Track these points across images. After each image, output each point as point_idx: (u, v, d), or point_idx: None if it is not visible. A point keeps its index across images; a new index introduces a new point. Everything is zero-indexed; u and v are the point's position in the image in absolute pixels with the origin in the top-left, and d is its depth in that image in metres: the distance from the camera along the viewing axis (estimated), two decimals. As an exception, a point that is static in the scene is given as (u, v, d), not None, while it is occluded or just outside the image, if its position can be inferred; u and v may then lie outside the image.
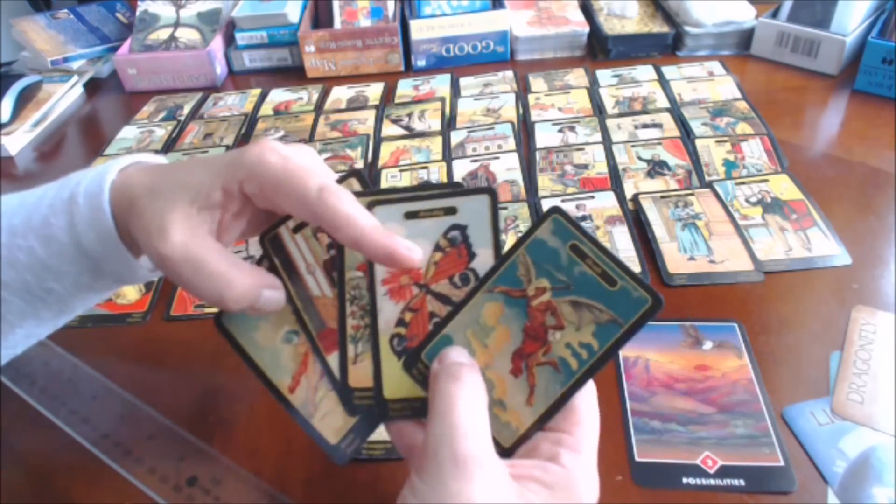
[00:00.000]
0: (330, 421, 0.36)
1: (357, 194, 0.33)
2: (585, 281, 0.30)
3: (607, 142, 0.72)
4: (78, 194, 0.37)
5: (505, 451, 0.32)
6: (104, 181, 0.37)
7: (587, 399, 0.32)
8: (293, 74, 0.96)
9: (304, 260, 0.37)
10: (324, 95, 0.89)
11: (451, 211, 0.34)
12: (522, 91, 0.85)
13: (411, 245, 0.32)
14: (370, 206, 0.34)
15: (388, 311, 0.34)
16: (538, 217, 0.31)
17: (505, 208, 0.64)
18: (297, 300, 0.37)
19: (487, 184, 0.34)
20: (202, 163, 0.36)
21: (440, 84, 0.88)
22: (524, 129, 0.76)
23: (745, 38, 0.88)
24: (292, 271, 0.37)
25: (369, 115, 0.82)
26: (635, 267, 0.56)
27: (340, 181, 0.35)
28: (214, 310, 0.56)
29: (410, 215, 0.34)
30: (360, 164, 0.73)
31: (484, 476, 0.28)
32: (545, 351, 0.31)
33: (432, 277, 0.34)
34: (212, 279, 0.34)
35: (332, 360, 0.36)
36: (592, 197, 0.64)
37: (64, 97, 0.94)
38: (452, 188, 0.34)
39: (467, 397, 0.30)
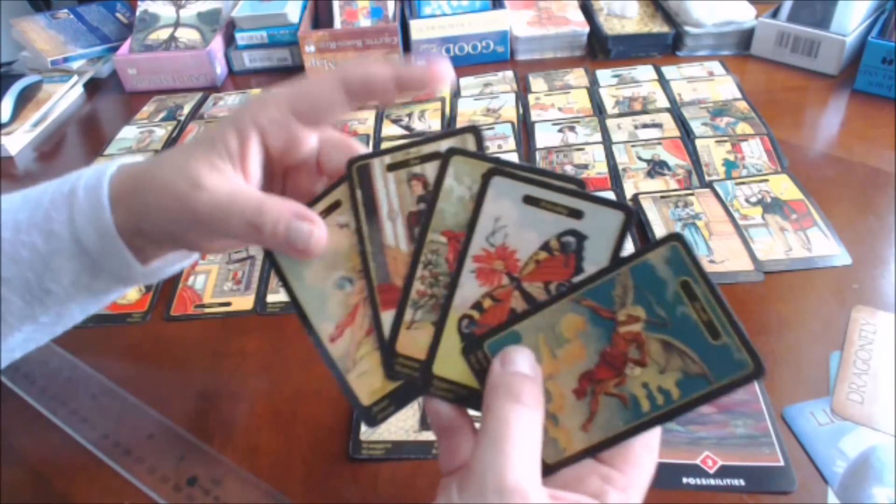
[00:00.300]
0: (367, 381, 0.34)
1: (475, 157, 0.31)
2: (686, 324, 0.28)
3: (607, 142, 0.72)
4: (78, 188, 0.37)
5: (547, 468, 0.30)
6: (103, 176, 0.37)
7: (649, 441, 0.30)
8: (293, 74, 0.95)
9: (388, 203, 0.33)
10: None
11: (576, 214, 0.30)
12: (522, 91, 0.85)
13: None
14: (489, 175, 0.31)
15: (469, 289, 0.31)
16: (656, 239, 0.28)
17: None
18: (368, 243, 0.33)
19: (627, 202, 0.32)
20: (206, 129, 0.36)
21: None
22: (524, 129, 0.76)
23: (745, 38, 0.88)
24: (372, 211, 0.33)
25: (369, 115, 0.82)
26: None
27: (452, 135, 0.33)
28: (214, 309, 0.56)
29: (530, 201, 0.30)
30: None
31: None
32: (618, 383, 0.29)
33: (528, 274, 0.31)
34: (244, 210, 0.33)
35: (386, 318, 0.33)
36: (592, 197, 0.64)
37: (64, 97, 0.94)
38: (589, 194, 0.30)
39: (524, 426, 0.28)
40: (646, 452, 0.30)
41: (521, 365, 0.29)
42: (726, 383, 0.27)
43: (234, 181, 0.34)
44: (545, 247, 0.31)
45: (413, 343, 0.32)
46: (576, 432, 0.29)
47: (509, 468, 0.26)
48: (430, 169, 0.32)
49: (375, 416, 0.33)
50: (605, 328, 0.29)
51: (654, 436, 0.30)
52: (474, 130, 0.33)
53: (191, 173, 0.34)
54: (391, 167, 0.33)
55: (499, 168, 0.31)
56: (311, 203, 0.35)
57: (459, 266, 0.32)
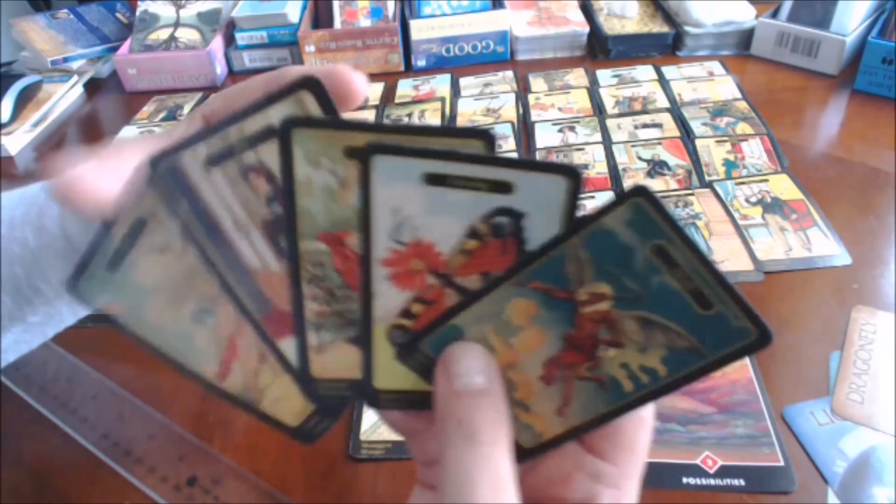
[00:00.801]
0: (285, 405, 0.29)
1: (324, 125, 0.24)
2: (666, 296, 0.22)
3: (607, 142, 0.72)
4: None
5: (524, 453, 0.26)
6: None
7: (640, 419, 0.26)
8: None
9: (229, 213, 0.25)
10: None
11: (503, 187, 0.23)
12: (522, 91, 0.85)
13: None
14: (367, 154, 0.23)
15: (389, 297, 0.26)
16: (613, 198, 0.22)
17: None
18: (224, 269, 0.26)
19: (570, 163, 0.26)
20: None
21: (440, 84, 0.88)
22: (524, 129, 0.76)
23: (745, 38, 0.88)
24: (212, 227, 0.26)
25: (369, 115, 0.82)
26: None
27: (283, 95, 0.25)
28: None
29: (434, 180, 0.23)
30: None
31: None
32: (591, 366, 0.25)
33: (460, 268, 0.25)
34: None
35: (286, 345, 0.28)
36: (592, 197, 0.64)
37: (64, 97, 0.94)
38: (513, 159, 0.23)
39: (489, 469, 0.23)
40: (639, 432, 0.26)
41: (469, 373, 0.24)
42: (725, 355, 0.23)
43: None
44: (473, 234, 0.24)
45: (332, 364, 0.27)
46: (552, 417, 0.26)
47: (482, 464, 0.23)
48: (268, 153, 0.24)
49: (311, 432, 0.29)
50: (563, 310, 0.24)
51: (646, 419, 0.26)
52: (312, 83, 0.24)
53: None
54: (212, 160, 0.25)
55: (377, 144, 0.23)
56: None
57: (367, 276, 0.25)
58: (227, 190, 0.25)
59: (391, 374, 0.27)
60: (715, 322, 0.22)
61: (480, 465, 0.23)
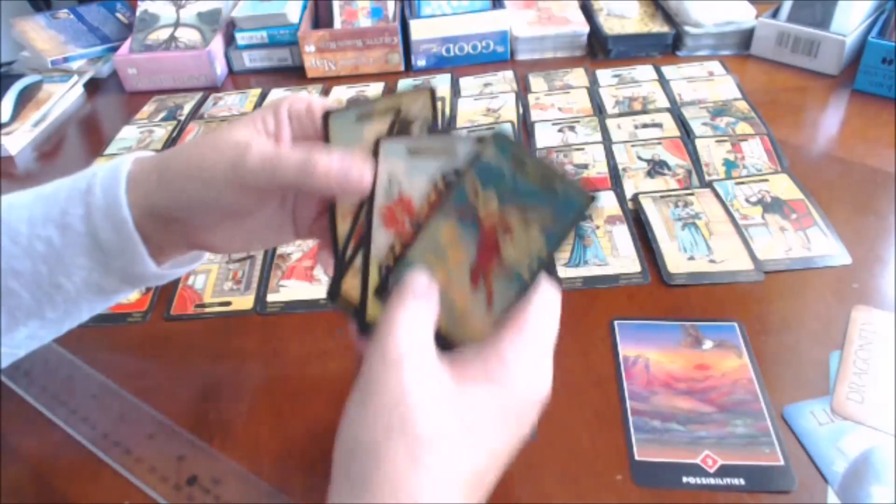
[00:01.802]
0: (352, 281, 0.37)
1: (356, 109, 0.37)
2: (528, 190, 0.33)
3: (607, 142, 0.72)
4: (94, 185, 0.38)
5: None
6: (119, 172, 0.38)
7: (539, 296, 0.32)
8: (293, 74, 0.96)
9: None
10: (324, 95, 0.89)
11: (448, 153, 0.35)
12: (522, 91, 0.85)
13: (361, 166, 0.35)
14: (377, 142, 0.36)
15: (382, 239, 0.36)
16: (486, 138, 0.34)
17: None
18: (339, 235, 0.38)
19: (496, 130, 0.35)
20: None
21: (440, 84, 0.88)
22: (524, 129, 0.76)
23: (745, 38, 0.88)
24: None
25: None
26: (635, 266, 0.56)
27: (411, 91, 0.37)
28: (214, 309, 0.57)
29: (414, 153, 0.36)
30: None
31: (413, 370, 0.29)
32: (498, 260, 0.33)
33: (425, 214, 0.35)
34: (296, 156, 0.35)
35: (380, 235, 0.37)
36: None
37: (64, 97, 0.94)
38: (459, 134, 0.35)
39: (406, 313, 0.31)
40: (537, 308, 0.32)
41: (409, 281, 0.33)
42: (573, 218, 0.32)
43: (277, 147, 0.36)
44: (433, 187, 0.35)
45: (354, 285, 0.37)
46: (483, 317, 0.33)
47: (390, 340, 0.30)
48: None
49: (334, 296, 0.37)
50: (472, 224, 0.34)
51: (546, 294, 0.33)
52: (432, 91, 0.37)
53: (238, 139, 0.36)
54: (360, 118, 0.38)
55: (383, 137, 0.36)
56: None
57: (369, 222, 0.36)
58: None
59: (377, 309, 0.35)
60: (562, 198, 0.32)
61: (402, 311, 0.31)
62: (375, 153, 0.36)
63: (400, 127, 0.37)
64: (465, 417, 0.29)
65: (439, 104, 0.38)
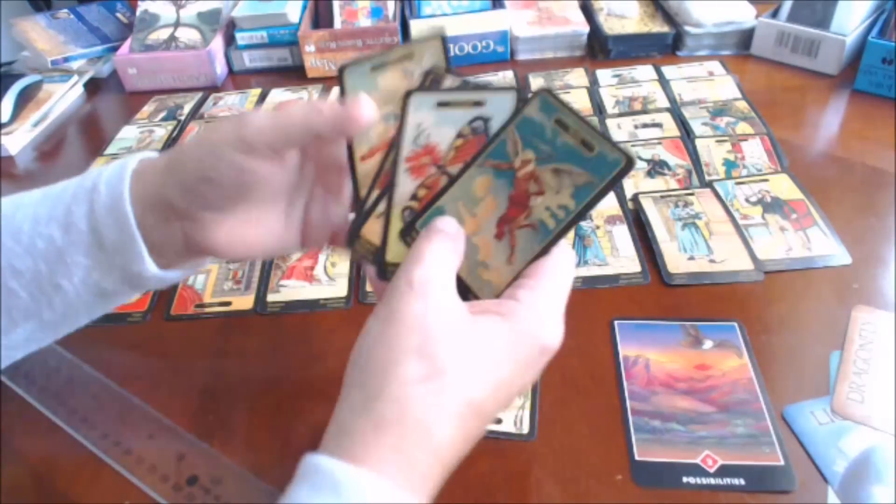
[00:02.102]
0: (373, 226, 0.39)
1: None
2: (566, 149, 0.33)
3: (607, 142, 0.72)
4: (100, 183, 0.38)
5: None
6: (125, 170, 0.38)
7: (557, 254, 0.34)
8: (293, 74, 0.96)
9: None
10: (324, 95, 0.89)
11: (479, 104, 0.37)
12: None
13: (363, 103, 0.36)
14: (408, 94, 0.37)
15: (406, 185, 0.37)
16: (530, 95, 0.35)
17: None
18: (357, 173, 0.40)
19: (517, 85, 0.37)
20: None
21: (440, 84, 0.88)
22: (524, 129, 0.76)
23: (745, 38, 0.88)
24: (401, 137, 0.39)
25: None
26: (635, 266, 0.56)
27: (422, 39, 0.39)
28: (214, 309, 0.56)
29: (443, 104, 0.37)
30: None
31: (435, 297, 0.31)
32: (526, 215, 0.34)
33: (450, 160, 0.37)
34: (299, 105, 0.36)
35: (404, 180, 0.38)
36: (592, 197, 0.64)
37: (64, 97, 0.94)
38: (486, 84, 0.37)
39: (434, 248, 0.33)
40: (554, 263, 0.34)
41: (440, 224, 0.35)
42: (610, 179, 0.32)
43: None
44: (459, 135, 0.37)
45: (375, 229, 0.38)
46: (504, 268, 0.35)
47: (416, 265, 0.32)
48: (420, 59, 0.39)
49: (353, 239, 0.39)
50: (507, 178, 0.35)
51: (563, 252, 0.34)
52: (444, 36, 0.39)
53: (238, 114, 0.37)
54: (376, 68, 0.39)
55: (414, 89, 0.37)
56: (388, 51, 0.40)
57: (394, 168, 0.37)
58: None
59: (400, 251, 0.37)
60: (598, 159, 0.32)
61: (430, 244, 0.33)
62: (405, 105, 0.37)
63: (431, 82, 0.38)
64: (476, 346, 0.31)
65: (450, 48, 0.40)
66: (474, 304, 0.33)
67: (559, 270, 0.34)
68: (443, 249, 0.33)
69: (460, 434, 0.30)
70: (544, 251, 0.34)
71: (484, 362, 0.31)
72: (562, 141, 0.33)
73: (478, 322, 0.32)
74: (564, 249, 0.35)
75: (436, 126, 0.37)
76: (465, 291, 0.35)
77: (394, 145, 0.38)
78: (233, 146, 0.36)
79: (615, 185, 0.32)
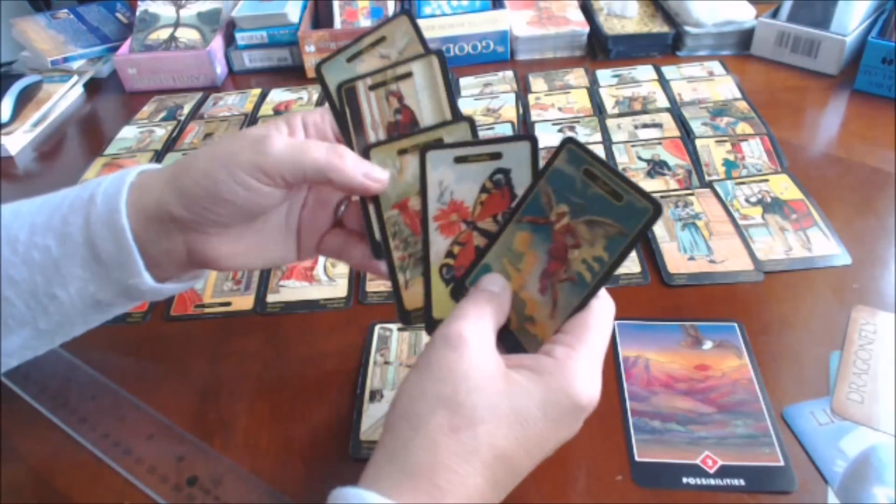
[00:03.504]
0: (412, 292, 0.41)
1: (402, 139, 0.39)
2: (597, 200, 0.33)
3: (607, 142, 0.72)
4: (97, 194, 0.38)
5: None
6: (123, 182, 0.38)
7: (596, 310, 0.34)
8: (293, 74, 0.96)
9: (371, 116, 0.40)
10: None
11: (496, 156, 0.37)
12: (522, 91, 0.85)
13: (378, 173, 0.38)
14: (424, 151, 0.38)
15: (439, 244, 0.39)
16: (555, 150, 0.35)
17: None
18: (355, 147, 0.40)
19: (530, 132, 0.38)
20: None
21: (440, 84, 0.88)
22: (524, 129, 0.76)
23: (745, 38, 0.88)
24: (358, 124, 0.40)
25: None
26: (635, 266, 0.56)
27: (418, 58, 0.40)
28: (214, 309, 0.57)
29: (460, 160, 0.38)
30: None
31: (469, 350, 0.32)
32: (566, 268, 0.35)
33: (479, 215, 0.38)
34: (321, 148, 0.37)
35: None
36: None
37: (64, 97, 0.94)
38: (499, 137, 0.39)
39: (476, 305, 0.34)
40: (592, 317, 0.34)
41: (487, 283, 0.36)
42: (639, 229, 0.32)
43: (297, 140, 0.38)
44: (483, 189, 0.38)
45: (415, 297, 0.40)
46: (547, 322, 0.35)
47: (456, 321, 0.33)
48: (403, 86, 0.40)
49: (411, 319, 0.41)
50: (545, 232, 0.35)
51: (601, 305, 0.35)
52: (439, 53, 0.40)
53: (257, 135, 0.37)
54: (372, 87, 0.40)
55: (430, 145, 0.38)
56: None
57: (425, 229, 0.39)
58: (374, 103, 0.40)
59: (445, 306, 0.38)
60: (627, 208, 0.32)
61: (472, 303, 0.35)
62: (422, 164, 0.38)
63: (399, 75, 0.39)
64: (506, 400, 0.31)
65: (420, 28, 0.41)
66: (510, 357, 0.34)
67: (597, 327, 0.34)
68: (483, 307, 0.34)
69: (489, 484, 0.31)
70: (583, 304, 0.34)
71: (514, 416, 0.31)
72: (592, 192, 0.34)
73: (510, 376, 0.32)
74: (604, 304, 0.35)
75: (457, 182, 0.38)
76: (518, 346, 0.36)
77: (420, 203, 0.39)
78: (248, 171, 0.36)
79: (645, 233, 0.32)
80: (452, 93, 0.40)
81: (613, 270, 0.33)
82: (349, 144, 0.40)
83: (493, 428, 0.31)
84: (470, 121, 0.39)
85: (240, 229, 0.39)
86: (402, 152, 0.39)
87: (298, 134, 0.39)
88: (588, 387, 0.33)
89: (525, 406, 0.32)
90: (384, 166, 0.39)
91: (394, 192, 0.40)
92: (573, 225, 0.34)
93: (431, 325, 0.39)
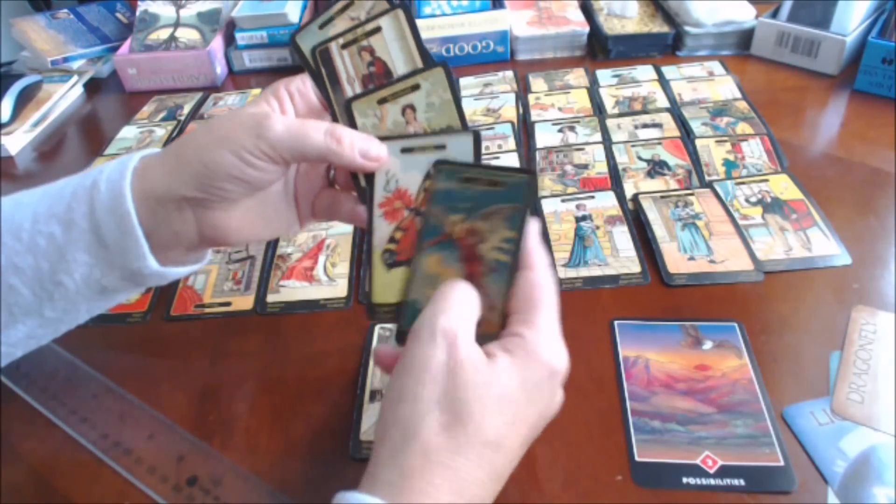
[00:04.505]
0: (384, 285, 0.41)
1: (374, 90, 0.41)
2: (482, 195, 0.37)
3: (607, 142, 0.72)
4: (100, 181, 0.38)
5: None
6: (126, 168, 0.39)
7: (536, 281, 0.36)
8: (293, 74, 0.95)
9: (346, 72, 0.42)
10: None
11: (440, 147, 0.39)
12: (522, 91, 0.85)
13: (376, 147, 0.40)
14: None
15: (383, 229, 0.40)
16: (427, 175, 0.39)
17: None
18: (336, 105, 0.42)
19: (473, 126, 0.40)
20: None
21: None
22: (524, 129, 0.76)
23: (745, 38, 0.88)
24: (335, 81, 0.42)
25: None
26: (635, 266, 0.56)
27: (384, 13, 0.41)
28: (214, 309, 0.57)
29: (406, 150, 0.40)
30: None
31: (458, 347, 0.32)
32: (482, 264, 0.37)
33: (421, 202, 0.40)
34: (321, 127, 0.38)
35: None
36: (592, 197, 0.64)
37: (64, 97, 0.94)
38: (444, 129, 0.41)
39: (451, 297, 0.35)
40: (534, 289, 0.35)
41: (447, 285, 0.36)
42: (527, 197, 0.36)
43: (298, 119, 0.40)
44: (427, 177, 0.40)
45: (385, 291, 0.41)
46: (490, 315, 0.36)
47: (443, 315, 0.33)
48: (373, 41, 0.41)
49: (376, 313, 0.41)
50: (450, 246, 0.37)
51: (540, 276, 0.36)
52: (404, 8, 0.41)
53: (257, 114, 0.38)
54: (344, 45, 0.42)
55: (379, 136, 0.40)
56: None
57: (370, 215, 0.40)
58: (348, 60, 0.42)
59: (383, 292, 0.40)
60: (509, 188, 0.36)
61: (453, 290, 0.35)
62: None
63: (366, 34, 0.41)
64: (493, 390, 0.32)
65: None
66: (487, 347, 0.34)
67: (545, 298, 0.35)
68: (459, 296, 0.35)
69: (483, 471, 0.31)
70: (510, 278, 0.36)
71: (501, 400, 0.32)
72: (474, 191, 0.37)
73: (493, 363, 0.33)
74: (541, 274, 0.36)
75: (403, 171, 0.40)
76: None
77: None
78: (252, 152, 0.38)
79: (533, 197, 0.36)
80: (421, 41, 0.42)
81: (521, 240, 0.36)
82: (328, 102, 0.42)
83: (482, 418, 0.31)
84: (474, 133, 0.40)
85: (246, 203, 0.41)
86: (382, 101, 0.41)
87: (286, 105, 0.42)
88: (557, 352, 0.35)
89: (508, 387, 0.33)
90: (365, 117, 0.41)
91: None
92: (472, 226, 0.37)
93: (372, 311, 0.40)
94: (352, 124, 0.41)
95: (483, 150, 0.72)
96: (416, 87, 0.41)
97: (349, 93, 0.42)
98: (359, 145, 0.39)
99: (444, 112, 0.41)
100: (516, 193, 0.36)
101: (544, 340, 0.34)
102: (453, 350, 0.32)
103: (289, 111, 0.42)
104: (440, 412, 0.31)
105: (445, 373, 0.32)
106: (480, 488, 0.31)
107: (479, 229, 0.37)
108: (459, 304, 0.34)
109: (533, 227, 0.36)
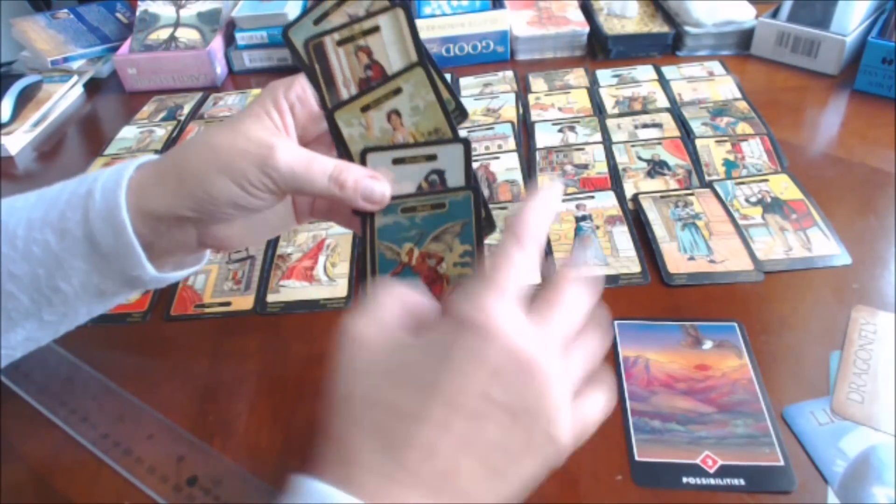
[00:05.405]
0: None
1: (355, 98, 0.40)
2: (428, 220, 0.38)
3: (607, 142, 0.72)
4: (95, 190, 0.38)
5: None
6: (122, 177, 0.38)
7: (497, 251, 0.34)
8: (293, 74, 0.95)
9: (342, 73, 0.40)
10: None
11: (431, 157, 0.39)
12: (522, 91, 0.85)
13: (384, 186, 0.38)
14: (364, 154, 0.39)
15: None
16: (366, 219, 0.38)
17: (505, 208, 0.64)
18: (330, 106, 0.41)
19: (463, 135, 0.39)
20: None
21: (440, 84, 0.88)
22: (524, 129, 0.76)
23: (745, 38, 0.88)
24: (330, 82, 0.40)
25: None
26: (635, 266, 0.56)
27: (383, 11, 0.40)
28: (214, 309, 0.57)
29: (398, 161, 0.39)
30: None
31: (360, 343, 0.32)
32: (445, 283, 0.38)
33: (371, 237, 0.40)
34: (326, 167, 0.38)
35: None
36: (592, 197, 0.64)
37: (64, 97, 0.94)
38: (434, 140, 0.40)
39: (380, 296, 0.33)
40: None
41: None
42: (474, 209, 0.37)
43: (301, 148, 0.39)
44: (419, 188, 0.39)
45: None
46: None
47: (355, 318, 0.32)
48: (370, 41, 0.40)
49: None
50: (407, 275, 0.38)
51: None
52: (404, 6, 0.40)
53: (260, 137, 0.38)
54: (340, 42, 0.40)
55: (369, 148, 0.39)
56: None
57: (371, 226, 0.40)
58: (344, 59, 0.40)
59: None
60: (454, 206, 0.37)
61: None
62: (362, 163, 0.39)
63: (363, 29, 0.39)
64: (386, 357, 0.32)
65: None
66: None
67: (496, 261, 0.33)
68: (385, 289, 0.33)
69: (370, 438, 0.32)
70: None
71: (390, 367, 0.31)
72: (420, 218, 0.38)
73: (388, 343, 0.32)
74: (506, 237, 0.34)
75: (395, 182, 0.39)
76: None
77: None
78: (256, 185, 0.37)
79: (482, 206, 0.37)
80: (420, 44, 0.39)
81: (479, 248, 0.37)
82: (322, 100, 0.40)
83: (364, 388, 0.33)
84: (465, 142, 0.38)
85: (249, 215, 0.41)
86: (365, 109, 0.39)
87: (287, 118, 0.40)
88: (470, 303, 0.30)
89: (402, 354, 0.30)
90: (351, 126, 0.39)
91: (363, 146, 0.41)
92: (425, 251, 0.38)
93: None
94: (337, 135, 0.39)
95: (484, 151, 0.73)
96: (398, 91, 0.39)
97: (345, 96, 0.40)
98: (362, 190, 0.37)
99: (429, 115, 0.39)
100: (463, 208, 0.37)
101: (462, 298, 0.30)
102: (355, 348, 0.33)
103: (290, 126, 0.40)
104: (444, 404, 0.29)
105: (348, 369, 0.34)
106: (369, 453, 0.31)
107: (435, 251, 0.38)
108: (371, 307, 0.32)
109: (531, 201, 0.32)
